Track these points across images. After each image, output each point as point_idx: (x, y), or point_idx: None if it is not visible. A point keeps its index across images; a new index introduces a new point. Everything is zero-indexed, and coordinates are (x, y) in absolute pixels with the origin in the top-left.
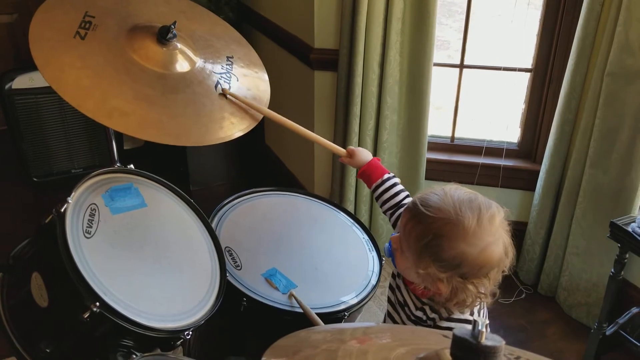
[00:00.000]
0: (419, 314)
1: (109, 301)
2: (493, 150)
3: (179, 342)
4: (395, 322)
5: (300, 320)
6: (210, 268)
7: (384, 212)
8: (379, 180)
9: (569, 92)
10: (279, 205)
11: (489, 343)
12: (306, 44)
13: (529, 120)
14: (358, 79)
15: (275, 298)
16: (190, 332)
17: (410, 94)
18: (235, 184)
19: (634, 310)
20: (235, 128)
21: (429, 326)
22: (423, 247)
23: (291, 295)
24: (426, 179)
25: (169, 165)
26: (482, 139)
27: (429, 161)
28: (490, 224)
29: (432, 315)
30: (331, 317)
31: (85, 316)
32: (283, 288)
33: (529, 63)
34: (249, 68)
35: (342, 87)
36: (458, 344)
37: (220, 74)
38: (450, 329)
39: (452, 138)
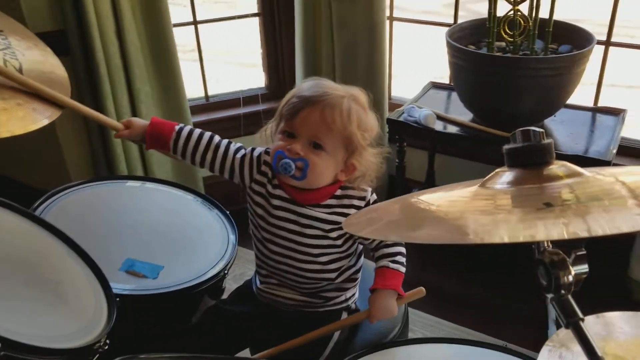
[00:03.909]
0: (339, 209)
1: (12, 337)
2: (250, 98)
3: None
4: (293, 264)
5: (174, 297)
6: (84, 274)
7: (201, 165)
8: (174, 135)
9: (304, 24)
10: (96, 197)
11: (546, 141)
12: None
13: (271, 61)
14: (99, 54)
15: (150, 286)
16: (107, 342)
17: (156, 60)
18: None
19: (415, 190)
20: (41, 115)
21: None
22: (350, 125)
23: None
24: None
25: None
26: (236, 90)
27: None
28: None
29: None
30: (213, 280)
31: None
32: (150, 273)
33: (255, 8)
34: (27, 41)
35: (81, 69)
36: (518, 151)
37: (3, 50)
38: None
39: (206, 97)
